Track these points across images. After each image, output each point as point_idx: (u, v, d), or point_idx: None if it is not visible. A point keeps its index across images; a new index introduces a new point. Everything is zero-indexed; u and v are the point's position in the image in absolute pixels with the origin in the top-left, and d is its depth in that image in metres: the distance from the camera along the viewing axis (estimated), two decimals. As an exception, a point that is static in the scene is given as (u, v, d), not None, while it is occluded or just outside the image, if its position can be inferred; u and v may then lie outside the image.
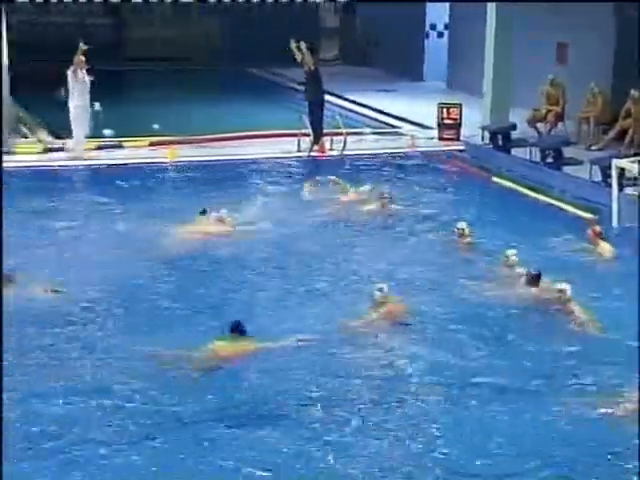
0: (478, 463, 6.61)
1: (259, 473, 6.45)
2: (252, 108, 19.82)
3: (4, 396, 6.95)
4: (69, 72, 15.11)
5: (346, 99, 20.98)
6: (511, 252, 10.20)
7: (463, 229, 11.11)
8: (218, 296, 9.62)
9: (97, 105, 15.45)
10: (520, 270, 9.89)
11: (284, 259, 10.77)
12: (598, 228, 10.95)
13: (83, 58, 15.07)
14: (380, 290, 9.09)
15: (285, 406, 7.39)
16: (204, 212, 11.74)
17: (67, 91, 15.22)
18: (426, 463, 6.64)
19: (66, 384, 7.60)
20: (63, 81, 15.26)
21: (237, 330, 8.22)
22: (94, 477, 6.39)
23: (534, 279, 9.48)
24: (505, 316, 9.14)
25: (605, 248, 10.71)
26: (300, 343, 8.26)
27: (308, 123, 16.29)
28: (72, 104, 15.16)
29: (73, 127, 15.27)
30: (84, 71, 15.12)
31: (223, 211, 11.66)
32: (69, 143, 15.51)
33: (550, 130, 16.96)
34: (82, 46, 15.04)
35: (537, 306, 9.26)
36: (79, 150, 15.36)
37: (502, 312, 9.21)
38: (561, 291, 9.09)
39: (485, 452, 6.75)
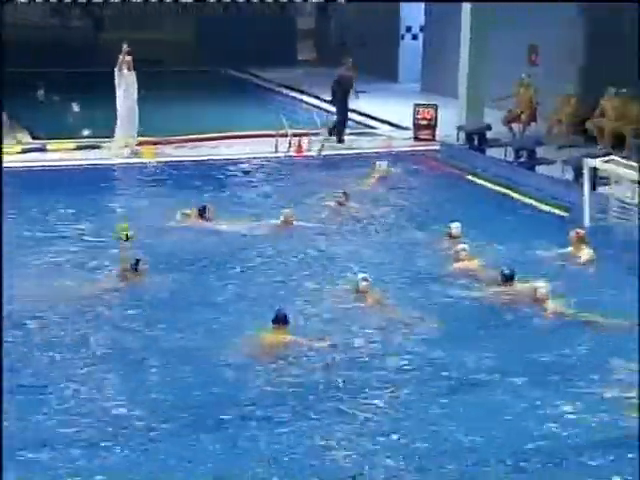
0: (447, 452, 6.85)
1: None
2: (229, 109, 19.99)
3: None
4: (116, 71, 15.46)
5: (323, 100, 21.20)
6: (461, 247, 10.45)
7: (453, 228, 11.26)
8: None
9: (75, 106, 15.61)
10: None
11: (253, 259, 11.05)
12: (581, 231, 10.96)
13: (129, 58, 15.40)
14: (365, 280, 9.36)
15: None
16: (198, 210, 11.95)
17: (44, 93, 15.38)
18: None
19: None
20: (42, 84, 15.37)
21: (280, 321, 8.38)
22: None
23: (508, 278, 9.66)
24: (480, 313, 9.37)
25: (585, 252, 10.70)
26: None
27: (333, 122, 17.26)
28: (118, 103, 15.53)
29: (119, 125, 15.61)
30: (131, 71, 15.46)
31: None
32: (114, 141, 15.81)
33: (524, 130, 17.29)
34: (125, 48, 15.37)
35: (511, 304, 9.46)
36: (131, 145, 15.74)
37: (478, 309, 9.45)
38: (537, 289, 9.32)
39: (451, 445, 6.95)
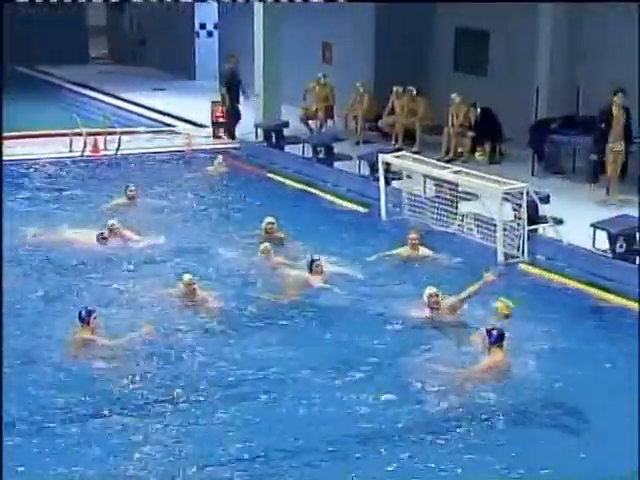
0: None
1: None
2: (17, 107, 19.10)
3: None
4: None
5: (120, 98, 20.78)
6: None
7: (272, 223, 11.30)
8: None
9: None
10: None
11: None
12: (415, 235, 11.06)
13: None
14: (189, 279, 9.43)
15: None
16: None
17: None
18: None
19: None
20: None
21: (81, 320, 8.49)
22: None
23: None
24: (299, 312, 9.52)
25: (422, 252, 10.95)
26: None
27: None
28: None
29: None
30: None
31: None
32: None
33: (321, 127, 17.67)
34: None
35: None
36: None
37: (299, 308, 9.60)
38: (432, 296, 9.12)
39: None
